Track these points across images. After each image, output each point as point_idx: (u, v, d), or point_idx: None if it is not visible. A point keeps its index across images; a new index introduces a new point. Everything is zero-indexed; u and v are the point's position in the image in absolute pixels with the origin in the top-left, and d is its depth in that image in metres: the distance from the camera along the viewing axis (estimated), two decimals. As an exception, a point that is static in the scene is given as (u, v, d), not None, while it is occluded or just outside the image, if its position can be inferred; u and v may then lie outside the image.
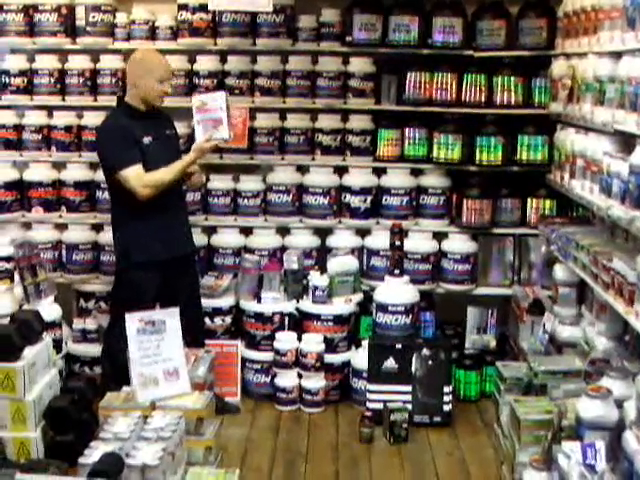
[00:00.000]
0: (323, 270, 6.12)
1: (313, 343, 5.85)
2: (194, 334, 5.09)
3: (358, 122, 6.38)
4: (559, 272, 5.39)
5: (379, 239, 6.25)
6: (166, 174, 5.22)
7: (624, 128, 4.13)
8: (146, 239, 5.27)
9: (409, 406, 5.49)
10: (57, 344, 5.45)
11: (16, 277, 5.27)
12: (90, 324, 6.10)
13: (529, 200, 6.29)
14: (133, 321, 4.17)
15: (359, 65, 6.32)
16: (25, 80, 6.35)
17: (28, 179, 6.35)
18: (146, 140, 5.23)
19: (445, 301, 6.42)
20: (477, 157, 6.21)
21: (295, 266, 6.06)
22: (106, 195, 6.22)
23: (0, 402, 4.34)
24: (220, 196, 6.38)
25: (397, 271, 5.88)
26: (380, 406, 5.49)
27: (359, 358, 5.84)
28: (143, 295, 5.18)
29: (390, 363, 5.57)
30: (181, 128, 6.28)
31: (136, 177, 5.12)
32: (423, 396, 5.57)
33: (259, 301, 6.01)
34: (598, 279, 4.45)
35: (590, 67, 4.78)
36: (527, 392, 4.74)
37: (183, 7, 6.26)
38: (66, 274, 6.35)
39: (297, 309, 6.03)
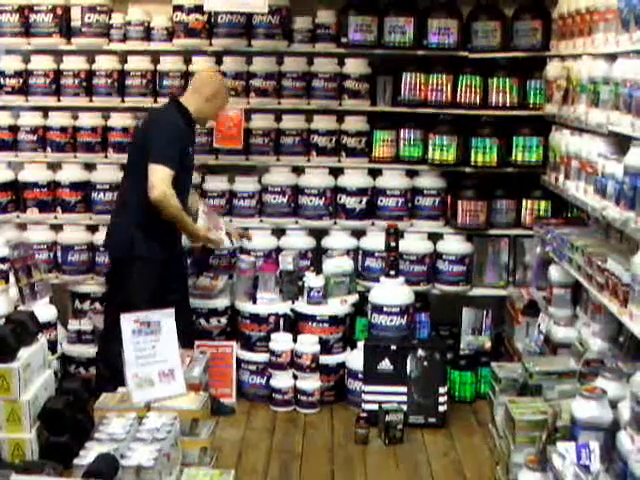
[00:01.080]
0: (318, 271, 6.12)
1: (308, 344, 5.85)
2: (186, 335, 5.09)
3: (353, 123, 6.38)
4: (554, 273, 5.39)
5: (374, 240, 6.25)
6: (182, 216, 5.30)
7: (618, 129, 4.15)
8: (155, 237, 5.32)
9: (404, 407, 5.50)
10: (52, 345, 5.45)
11: (11, 278, 5.26)
12: (85, 325, 6.10)
13: (524, 201, 6.30)
14: (128, 322, 4.16)
15: (354, 66, 6.33)
16: (20, 81, 6.35)
17: (23, 180, 6.34)
18: (189, 149, 5.44)
19: (440, 302, 6.42)
20: (472, 158, 6.21)
21: (290, 267, 6.06)
22: (101, 196, 6.25)
23: (-5, 403, 4.34)
24: (215, 197, 6.38)
25: (392, 272, 5.89)
26: (375, 407, 5.49)
27: (354, 359, 5.84)
28: (143, 292, 5.20)
29: (385, 364, 5.57)
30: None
31: (164, 178, 5.15)
32: (418, 397, 5.57)
33: (254, 302, 6.01)
34: (593, 280, 4.46)
35: (585, 69, 4.79)
36: (522, 393, 4.74)
37: (178, 8, 6.25)
38: (61, 275, 6.33)
39: (292, 310, 6.04)
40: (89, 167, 6.39)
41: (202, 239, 5.60)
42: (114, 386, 4.39)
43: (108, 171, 6.33)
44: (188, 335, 5.32)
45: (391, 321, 5.76)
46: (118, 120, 6.35)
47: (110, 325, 5.42)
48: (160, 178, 5.14)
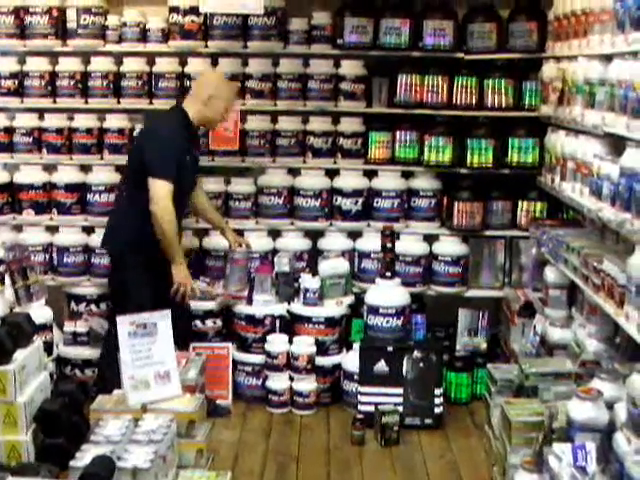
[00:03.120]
0: (314, 272, 6.12)
1: (304, 345, 5.85)
2: (181, 336, 5.08)
3: (349, 125, 6.38)
4: (550, 274, 5.40)
5: (370, 241, 6.25)
6: (172, 237, 5.26)
7: (614, 130, 4.15)
8: (147, 240, 5.28)
9: (400, 408, 5.50)
10: (48, 347, 5.43)
11: (7, 280, 5.25)
12: (81, 327, 6.10)
13: (520, 202, 6.30)
14: (124, 324, 4.16)
15: (350, 68, 6.33)
16: (16, 82, 6.33)
17: (19, 182, 6.33)
18: (187, 157, 5.40)
19: (436, 303, 6.42)
20: (468, 160, 6.21)
21: (286, 268, 6.06)
22: (97, 198, 6.25)
23: (-9, 405, 4.34)
24: (211, 198, 6.36)
25: (388, 273, 5.89)
26: (371, 408, 5.49)
27: (350, 360, 5.84)
28: (143, 293, 5.22)
29: (381, 365, 5.57)
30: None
31: (167, 192, 5.18)
32: (414, 398, 5.57)
33: (250, 303, 6.00)
34: (589, 281, 4.46)
35: (580, 70, 4.80)
36: (518, 394, 4.75)
37: (174, 9, 6.24)
38: (57, 277, 6.33)
39: (288, 311, 6.03)
40: (85, 169, 6.38)
41: (182, 271, 5.41)
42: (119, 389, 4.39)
43: (104, 172, 6.32)
44: (184, 336, 5.32)
45: (387, 322, 5.76)
46: (114, 122, 6.34)
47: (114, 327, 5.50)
48: (161, 193, 5.18)
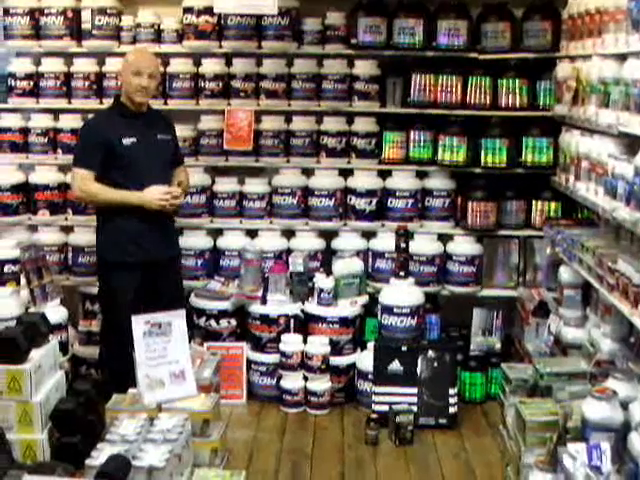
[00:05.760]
0: (328, 272, 6.13)
1: (318, 345, 5.86)
2: None
3: (363, 124, 6.39)
4: (564, 274, 5.39)
5: (384, 241, 6.26)
6: (105, 194, 5.23)
7: (629, 130, 4.14)
8: (121, 241, 5.28)
9: (414, 408, 5.50)
10: (63, 346, 5.44)
11: (22, 280, 5.27)
12: (96, 326, 6.12)
13: (534, 202, 6.29)
14: (139, 323, 4.17)
15: (364, 68, 6.33)
16: (31, 83, 6.37)
17: (34, 182, 6.36)
18: (126, 141, 5.23)
19: (450, 303, 6.42)
20: (482, 159, 6.21)
21: (300, 268, 6.07)
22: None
23: (7, 404, 4.34)
24: (226, 198, 6.39)
25: (402, 273, 5.89)
26: (385, 408, 5.49)
27: (364, 360, 5.84)
28: (120, 296, 5.24)
29: (395, 365, 5.58)
30: (186, 131, 6.32)
31: (80, 178, 5.26)
32: (428, 398, 5.57)
33: (264, 303, 6.01)
34: (603, 281, 4.46)
35: (595, 69, 4.79)
36: (532, 394, 4.74)
37: (188, 10, 6.26)
38: (72, 276, 6.36)
39: (303, 311, 6.04)
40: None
41: (152, 199, 5.22)
42: (117, 388, 4.39)
43: (118, 173, 6.34)
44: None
45: (401, 322, 5.76)
46: (128, 122, 6.36)
47: (103, 326, 5.67)
48: (76, 180, 5.30)
